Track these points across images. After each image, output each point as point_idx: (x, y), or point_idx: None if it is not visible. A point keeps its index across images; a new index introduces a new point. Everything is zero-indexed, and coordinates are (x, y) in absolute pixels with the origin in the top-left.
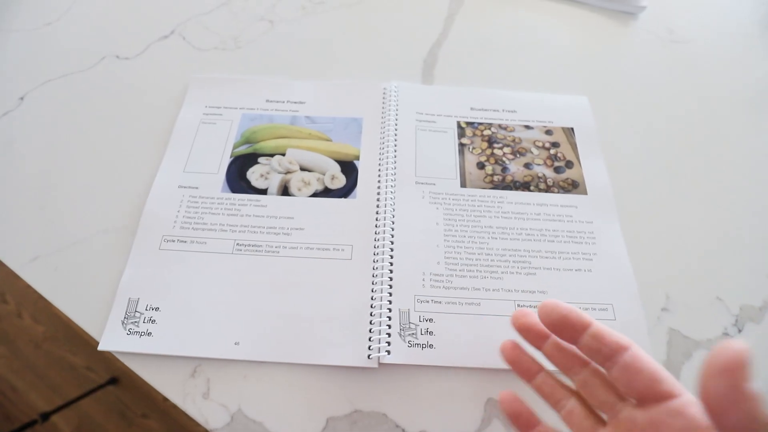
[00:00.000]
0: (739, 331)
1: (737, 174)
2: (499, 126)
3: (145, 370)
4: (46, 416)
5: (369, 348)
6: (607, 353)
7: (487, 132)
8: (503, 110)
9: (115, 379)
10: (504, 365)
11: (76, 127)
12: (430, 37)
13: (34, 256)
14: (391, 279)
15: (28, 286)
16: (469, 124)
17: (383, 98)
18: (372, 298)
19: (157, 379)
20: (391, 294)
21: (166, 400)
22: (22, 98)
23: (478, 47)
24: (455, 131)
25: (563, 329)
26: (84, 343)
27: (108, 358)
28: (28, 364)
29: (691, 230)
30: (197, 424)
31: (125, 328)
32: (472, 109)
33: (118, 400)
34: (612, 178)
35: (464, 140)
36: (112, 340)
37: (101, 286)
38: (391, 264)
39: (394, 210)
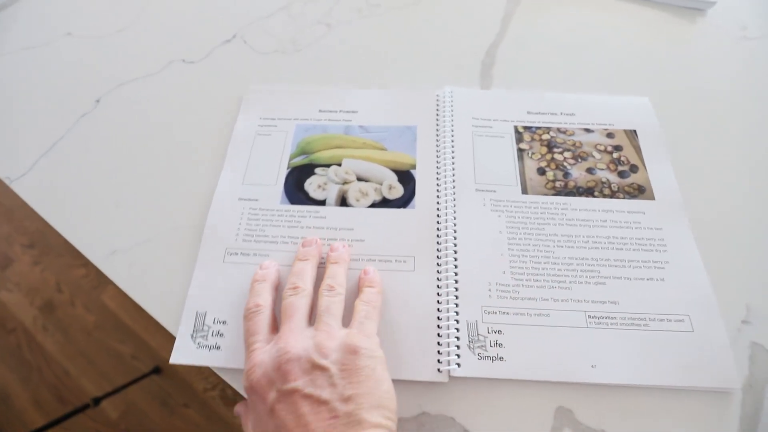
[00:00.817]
0: None
1: None
2: (558, 130)
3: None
4: (97, 401)
5: (438, 361)
6: None
7: (545, 136)
8: (561, 113)
9: (159, 368)
10: (575, 377)
11: (147, 128)
12: (487, 37)
13: (112, 250)
14: (456, 290)
15: (83, 277)
16: (526, 128)
17: (437, 104)
18: (438, 310)
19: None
20: (457, 305)
21: (206, 390)
22: (98, 101)
23: (536, 48)
24: (513, 136)
25: None
26: (130, 332)
27: (152, 347)
28: (80, 350)
29: None
30: (235, 418)
31: (195, 342)
32: (529, 113)
33: (161, 389)
34: (680, 183)
35: (522, 145)
36: (183, 353)
37: (172, 284)
38: (456, 275)
39: (455, 219)
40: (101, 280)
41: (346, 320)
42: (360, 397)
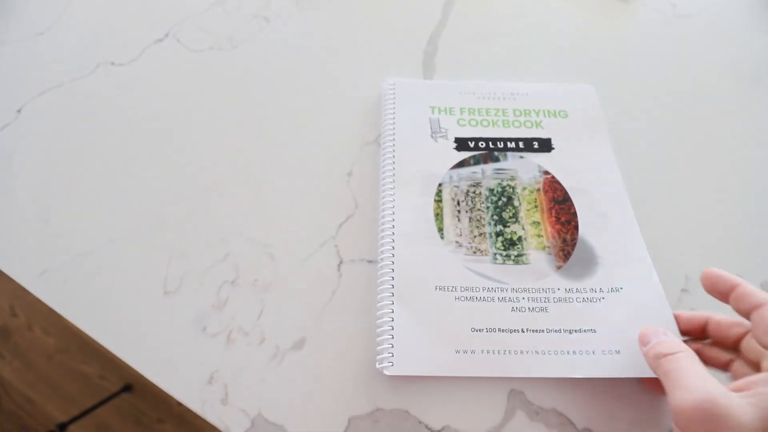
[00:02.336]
0: None
1: (750, 148)
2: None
3: (161, 377)
4: (63, 427)
5: (378, 358)
6: (746, 311)
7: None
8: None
9: (129, 386)
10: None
11: (75, 136)
12: (429, 26)
13: (43, 269)
14: (392, 286)
15: (38, 300)
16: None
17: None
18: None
19: (174, 387)
20: (393, 302)
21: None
22: (19, 111)
23: (478, 35)
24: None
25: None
26: (96, 352)
27: (121, 366)
28: (41, 376)
29: (707, 208)
30: (213, 428)
31: None
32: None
33: (133, 407)
34: (620, 162)
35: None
36: None
37: (111, 297)
38: (392, 270)
39: (393, 215)
40: None
41: None
42: None
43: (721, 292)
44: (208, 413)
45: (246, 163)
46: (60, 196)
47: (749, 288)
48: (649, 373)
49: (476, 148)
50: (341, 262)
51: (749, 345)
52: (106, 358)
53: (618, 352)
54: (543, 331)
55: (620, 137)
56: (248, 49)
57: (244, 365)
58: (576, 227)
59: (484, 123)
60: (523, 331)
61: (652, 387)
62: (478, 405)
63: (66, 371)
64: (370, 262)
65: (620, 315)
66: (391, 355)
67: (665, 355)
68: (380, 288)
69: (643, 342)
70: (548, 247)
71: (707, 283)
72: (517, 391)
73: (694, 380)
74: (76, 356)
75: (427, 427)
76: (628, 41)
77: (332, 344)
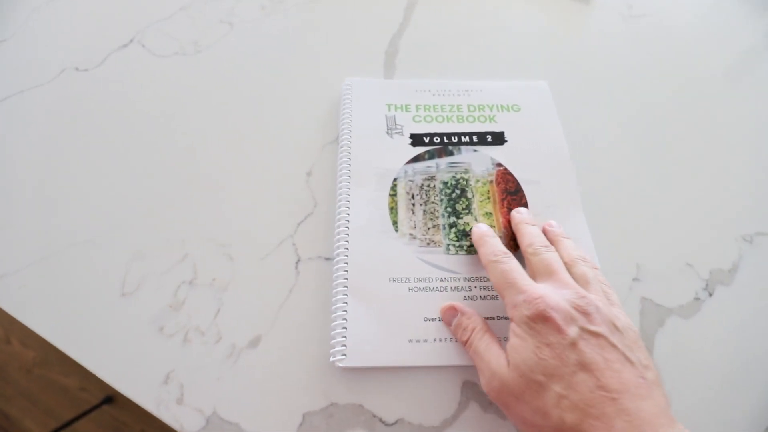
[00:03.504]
0: (710, 294)
1: (696, 141)
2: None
3: (116, 379)
4: None
5: (332, 352)
6: None
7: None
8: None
9: (110, 398)
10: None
11: (36, 141)
12: (391, 28)
13: (0, 275)
14: (346, 279)
15: None
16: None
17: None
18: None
19: (129, 388)
20: (346, 295)
21: None
22: None
23: (438, 36)
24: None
25: None
26: (76, 364)
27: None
28: (20, 390)
29: (656, 200)
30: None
31: None
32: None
33: (114, 419)
34: (573, 153)
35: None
36: None
37: (68, 300)
38: (347, 264)
39: (348, 210)
40: None
41: None
42: (655, 372)
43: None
44: (163, 413)
45: (208, 165)
46: (17, 202)
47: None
48: None
49: (431, 143)
50: (299, 260)
51: None
52: (86, 370)
53: None
54: (494, 318)
55: (573, 131)
56: (212, 54)
57: (200, 364)
58: None
59: (439, 119)
60: None
61: None
62: (431, 397)
63: (45, 384)
64: (327, 259)
65: None
66: (344, 347)
67: (464, 342)
68: (335, 282)
69: (446, 323)
70: (500, 236)
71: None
72: (471, 383)
73: (486, 368)
74: (56, 369)
75: (381, 420)
76: (584, 40)
77: (288, 341)
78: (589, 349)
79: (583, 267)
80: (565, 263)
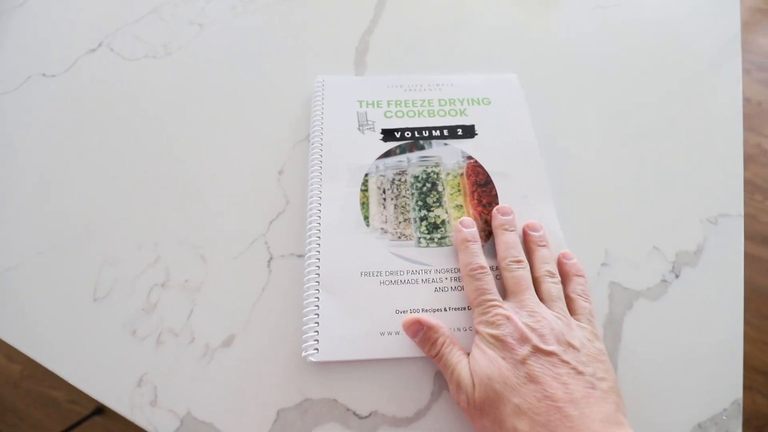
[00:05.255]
0: (677, 276)
1: (661, 130)
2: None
3: (88, 384)
4: None
5: (303, 346)
6: None
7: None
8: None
9: (101, 409)
10: None
11: (3, 150)
12: (361, 25)
13: None
14: (318, 275)
15: None
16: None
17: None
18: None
19: (102, 393)
20: (318, 290)
21: None
22: None
23: (408, 32)
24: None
25: None
26: None
27: None
28: (7, 406)
29: (623, 188)
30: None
31: None
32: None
33: (105, 430)
34: (542, 145)
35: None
36: None
37: (40, 308)
38: (318, 260)
39: (320, 206)
40: None
41: None
42: (613, 382)
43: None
44: (137, 416)
45: (179, 167)
46: None
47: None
48: None
49: (402, 138)
50: (271, 259)
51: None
52: None
53: None
54: (465, 309)
55: (542, 122)
56: (183, 56)
57: (174, 366)
58: None
59: (410, 114)
60: (445, 309)
61: None
62: (404, 389)
63: (34, 398)
64: (299, 256)
65: None
66: (316, 342)
67: (433, 356)
68: (306, 278)
69: (410, 336)
70: None
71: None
72: (443, 374)
73: (455, 380)
74: (44, 381)
75: (354, 414)
76: (553, 33)
77: (261, 339)
78: (539, 365)
79: (548, 284)
80: (534, 279)
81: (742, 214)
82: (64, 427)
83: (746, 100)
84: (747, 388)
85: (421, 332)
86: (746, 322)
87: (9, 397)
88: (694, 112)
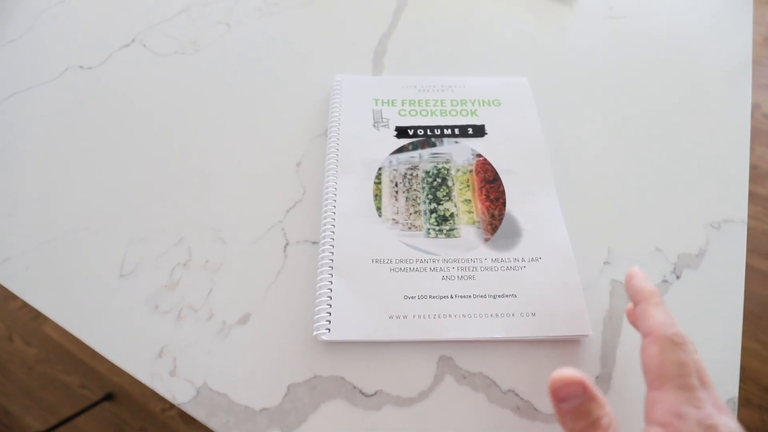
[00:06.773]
0: (678, 277)
1: (667, 133)
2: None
3: (113, 353)
4: None
5: (316, 326)
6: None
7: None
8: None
9: (111, 394)
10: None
11: (41, 134)
12: (380, 29)
13: (6, 257)
14: (332, 260)
15: (19, 309)
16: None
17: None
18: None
19: (125, 361)
20: (332, 274)
21: (164, 410)
22: None
23: (425, 36)
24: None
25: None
26: (77, 361)
27: (102, 374)
28: (21, 387)
29: (628, 188)
30: (195, 430)
31: None
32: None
33: (114, 416)
34: (549, 145)
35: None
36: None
37: (70, 281)
38: (333, 246)
39: (335, 197)
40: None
41: None
42: None
43: (633, 301)
44: (157, 384)
45: (204, 157)
46: (23, 191)
47: (647, 311)
48: (557, 334)
49: (415, 135)
50: (287, 244)
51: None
52: (87, 367)
53: (533, 314)
54: (470, 296)
55: (550, 124)
56: (210, 53)
57: (193, 340)
58: (504, 204)
59: (423, 113)
60: (452, 297)
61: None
62: (409, 371)
63: (47, 381)
64: (314, 243)
65: (537, 281)
66: (328, 322)
67: None
68: (320, 263)
69: (557, 398)
70: (477, 221)
71: (627, 285)
72: (447, 357)
73: None
74: (57, 366)
75: (361, 392)
76: (564, 39)
77: (275, 318)
78: None
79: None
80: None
81: (746, 220)
82: (74, 411)
83: (763, 116)
84: (757, 407)
85: (577, 400)
86: (757, 340)
87: (23, 379)
88: (701, 121)
